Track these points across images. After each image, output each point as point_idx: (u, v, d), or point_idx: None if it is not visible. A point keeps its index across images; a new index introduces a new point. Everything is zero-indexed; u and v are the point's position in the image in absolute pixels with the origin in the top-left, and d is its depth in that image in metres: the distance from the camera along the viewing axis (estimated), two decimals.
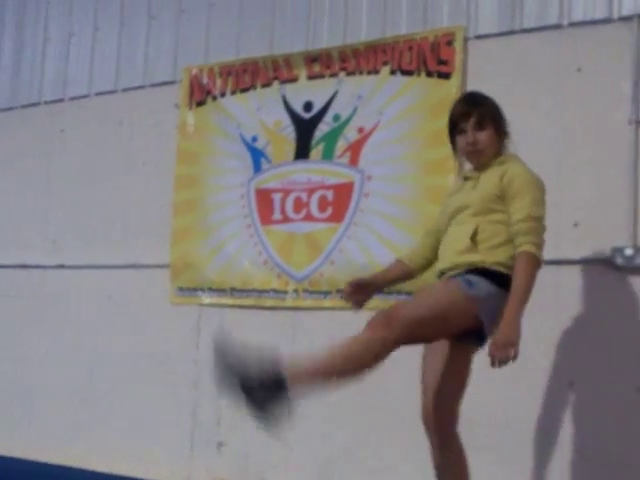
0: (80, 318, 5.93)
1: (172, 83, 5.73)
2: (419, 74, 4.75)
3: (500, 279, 3.24)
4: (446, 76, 4.65)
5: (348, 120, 4.98)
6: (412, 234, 4.64)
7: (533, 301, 4.23)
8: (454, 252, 3.34)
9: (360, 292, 3.57)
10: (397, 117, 4.81)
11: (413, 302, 3.35)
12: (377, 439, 4.72)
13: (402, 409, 4.63)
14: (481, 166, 3.46)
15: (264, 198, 5.22)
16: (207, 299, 5.38)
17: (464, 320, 3.21)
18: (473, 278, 3.22)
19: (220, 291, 5.32)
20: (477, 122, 3.39)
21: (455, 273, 3.31)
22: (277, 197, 5.17)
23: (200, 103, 5.56)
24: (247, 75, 5.39)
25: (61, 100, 6.34)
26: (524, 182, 3.30)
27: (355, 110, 4.97)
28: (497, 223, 3.31)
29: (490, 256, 3.27)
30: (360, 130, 4.93)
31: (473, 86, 4.57)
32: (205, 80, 5.55)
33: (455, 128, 3.47)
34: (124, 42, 6.04)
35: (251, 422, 5.13)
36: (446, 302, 3.20)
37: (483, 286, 3.22)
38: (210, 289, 5.36)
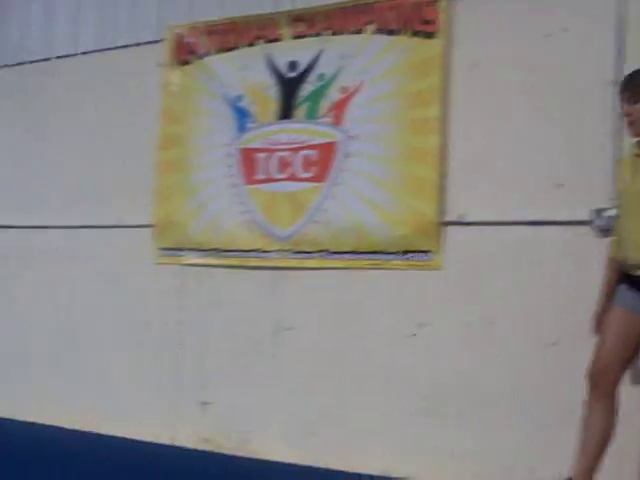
0: (63, 278, 5.93)
1: (156, 42, 5.68)
2: (403, 33, 4.73)
3: None
4: (430, 35, 4.63)
5: (332, 79, 4.95)
6: (395, 194, 4.64)
7: (514, 262, 4.30)
8: None
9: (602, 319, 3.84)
10: (381, 76, 4.78)
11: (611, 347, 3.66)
12: (359, 401, 4.75)
13: (382, 372, 4.68)
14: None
15: (248, 158, 5.20)
16: (191, 259, 5.38)
17: None
18: None
19: (204, 251, 5.32)
20: (630, 96, 3.68)
21: None
22: (261, 157, 5.15)
23: (184, 62, 5.53)
24: (232, 34, 5.35)
25: (47, 59, 6.29)
26: None
27: (339, 70, 4.93)
28: None
29: None
30: (344, 90, 4.90)
31: (458, 46, 4.57)
32: (189, 39, 5.50)
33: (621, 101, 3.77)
34: (109, 0, 5.98)
35: (235, 383, 5.20)
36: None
37: None
38: (194, 249, 5.36)
